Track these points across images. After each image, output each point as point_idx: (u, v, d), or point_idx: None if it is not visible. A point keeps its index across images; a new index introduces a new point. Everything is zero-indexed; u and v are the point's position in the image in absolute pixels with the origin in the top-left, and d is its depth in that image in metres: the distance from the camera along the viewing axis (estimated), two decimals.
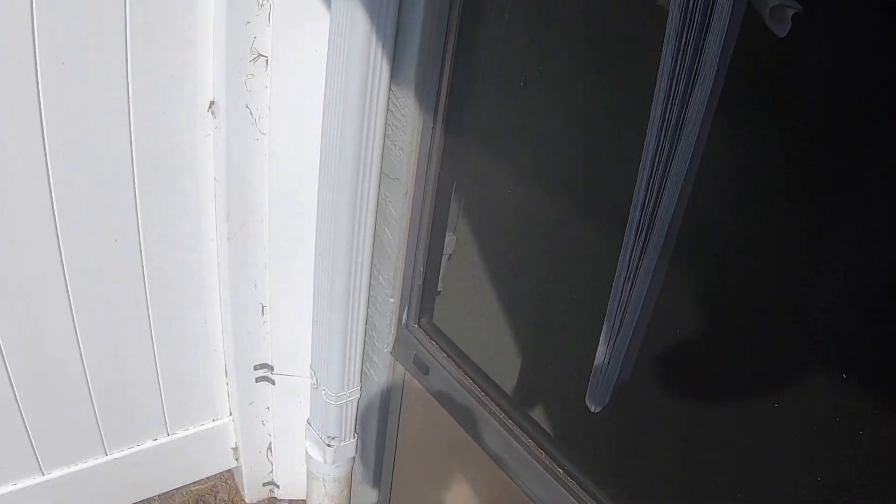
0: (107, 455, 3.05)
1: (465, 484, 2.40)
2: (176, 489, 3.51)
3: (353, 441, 2.78)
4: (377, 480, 2.97)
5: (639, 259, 1.67)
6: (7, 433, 2.75)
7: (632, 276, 1.70)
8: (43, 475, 2.93)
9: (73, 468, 2.99)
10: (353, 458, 2.88)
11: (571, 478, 1.96)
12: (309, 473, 2.93)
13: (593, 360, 1.85)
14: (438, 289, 2.36)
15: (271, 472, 3.41)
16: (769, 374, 1.55)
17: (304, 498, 3.42)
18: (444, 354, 2.27)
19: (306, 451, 2.86)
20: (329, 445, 2.73)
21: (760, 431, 1.57)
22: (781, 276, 1.46)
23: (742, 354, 1.59)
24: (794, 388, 1.50)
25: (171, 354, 2.89)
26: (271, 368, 2.95)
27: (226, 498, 3.59)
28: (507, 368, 2.20)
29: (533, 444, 2.03)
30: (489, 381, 2.18)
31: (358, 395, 2.64)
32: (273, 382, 2.99)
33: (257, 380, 2.98)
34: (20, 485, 2.89)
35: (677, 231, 1.59)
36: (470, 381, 2.19)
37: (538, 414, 2.07)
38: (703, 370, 1.70)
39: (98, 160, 2.36)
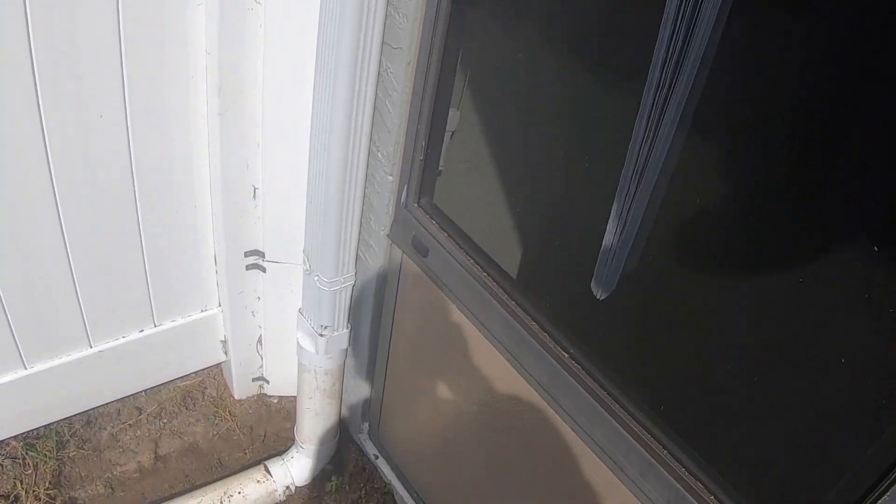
0: (91, 348, 3.02)
1: (463, 371, 2.38)
2: (162, 384, 3.51)
3: (346, 331, 2.75)
4: (370, 372, 2.96)
5: (657, 124, 1.61)
6: None
7: (648, 143, 1.64)
8: (26, 369, 2.91)
9: (57, 361, 2.97)
10: (346, 349, 2.86)
11: (576, 363, 1.94)
12: (300, 366, 2.92)
13: (601, 242, 1.80)
14: (440, 167, 2.30)
15: (261, 366, 3.40)
16: (795, 248, 1.50)
17: (294, 394, 3.43)
18: (445, 234, 2.23)
19: (297, 342, 2.83)
20: (321, 335, 2.71)
21: (785, 309, 1.53)
22: (814, 140, 1.41)
23: (767, 228, 1.54)
24: (822, 262, 1.45)
25: (159, 240, 2.84)
26: (262, 255, 2.90)
27: (214, 394, 3.59)
28: (510, 250, 2.16)
29: (536, 326, 2.00)
30: (492, 262, 2.14)
31: (352, 282, 2.60)
32: (264, 270, 2.95)
33: (248, 267, 2.94)
34: (2, 379, 2.88)
35: (701, 91, 1.53)
36: (471, 261, 2.15)
37: (542, 297, 2.03)
38: (723, 246, 1.65)
39: (83, 29, 2.27)
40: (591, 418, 1.91)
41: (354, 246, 2.49)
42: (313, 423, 3.12)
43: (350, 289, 2.62)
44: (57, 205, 2.53)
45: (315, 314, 2.68)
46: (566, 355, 1.93)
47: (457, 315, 2.23)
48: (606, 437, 1.90)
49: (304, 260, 2.61)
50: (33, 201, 2.47)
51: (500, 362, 2.12)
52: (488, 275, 2.11)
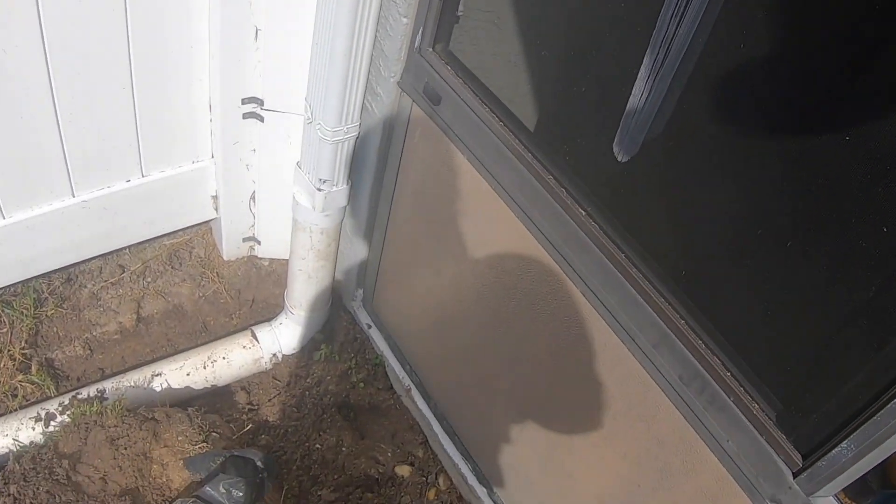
0: (74, 197, 3.00)
1: (469, 229, 2.40)
2: (148, 241, 3.52)
3: (345, 187, 2.76)
4: (368, 234, 2.98)
5: None
6: None
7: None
8: (3, 219, 2.90)
9: (38, 211, 2.95)
10: (345, 207, 2.87)
11: (594, 222, 1.94)
12: (295, 223, 2.93)
13: (627, 103, 1.79)
14: (458, 12, 2.26)
15: (253, 225, 3.41)
16: (841, 104, 1.48)
17: (287, 258, 3.45)
18: (460, 81, 2.21)
19: (293, 198, 2.84)
20: (319, 190, 2.71)
21: (814, 174, 1.52)
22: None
23: (809, 82, 1.52)
24: (862, 125, 1.44)
25: (150, 83, 2.79)
26: (261, 103, 2.88)
27: (202, 254, 3.61)
28: (529, 103, 2.14)
29: (554, 182, 2.00)
30: (509, 113, 2.13)
31: (356, 133, 2.59)
32: (262, 119, 2.93)
33: (244, 116, 2.92)
34: None
35: None
36: (487, 110, 2.14)
37: (561, 152, 2.02)
38: (755, 113, 1.63)
39: None
40: (604, 282, 1.93)
41: (361, 93, 2.47)
42: (305, 287, 3.16)
43: (353, 141, 2.61)
44: (42, 36, 2.47)
45: (314, 167, 2.67)
46: (583, 213, 1.93)
47: (467, 168, 2.23)
48: (620, 303, 1.92)
49: (305, 108, 2.59)
50: (16, 27, 2.43)
51: (510, 219, 2.13)
52: (504, 125, 2.10)
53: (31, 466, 2.73)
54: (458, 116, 2.20)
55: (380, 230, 2.87)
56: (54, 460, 2.75)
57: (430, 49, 2.28)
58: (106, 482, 2.70)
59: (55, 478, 2.68)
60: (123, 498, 2.62)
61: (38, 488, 2.64)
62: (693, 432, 1.85)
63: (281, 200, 3.16)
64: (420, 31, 2.28)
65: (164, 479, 2.76)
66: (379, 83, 2.47)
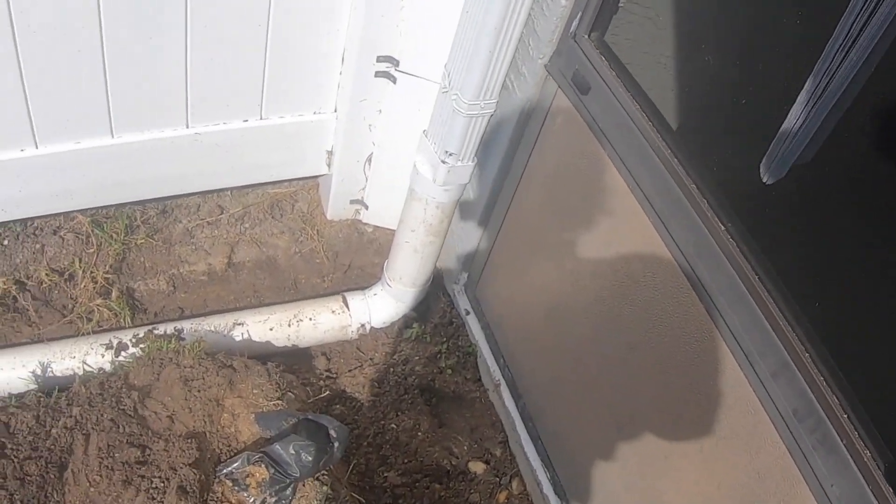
0: (187, 128, 3.26)
1: (597, 226, 2.55)
2: (252, 186, 3.76)
3: (471, 164, 2.93)
4: (485, 217, 3.15)
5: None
6: (83, 87, 2.94)
7: (863, 18, 1.72)
8: (112, 137, 3.17)
9: (147, 135, 3.21)
10: (465, 185, 3.04)
11: (731, 237, 2.08)
12: (410, 193, 3.11)
13: (781, 124, 1.91)
14: (620, 3, 2.42)
15: (364, 188, 3.62)
16: None
17: (393, 227, 3.65)
18: (613, 74, 2.36)
19: (414, 166, 3.02)
20: (444, 162, 2.89)
21: None
22: None
23: None
24: None
25: (287, 23, 3.01)
26: (396, 63, 3.08)
27: (304, 209, 3.84)
28: (681, 107, 2.28)
29: (696, 191, 2.14)
30: (658, 114, 2.28)
31: (492, 111, 2.76)
32: (394, 80, 3.12)
33: (377, 74, 3.12)
34: (87, 143, 3.14)
35: None
36: (637, 108, 2.29)
37: (707, 162, 2.16)
38: None
39: None
40: (732, 301, 2.06)
41: (505, 70, 2.63)
42: (409, 261, 3.34)
43: (487, 118, 2.77)
44: None
45: (442, 138, 2.85)
46: (721, 228, 2.07)
47: (607, 164, 2.39)
48: (745, 325, 2.05)
49: (443, 75, 2.77)
50: None
51: (643, 223, 2.28)
52: (653, 125, 2.25)
53: (98, 392, 2.97)
54: (605, 109, 2.35)
55: (498, 214, 3.04)
56: (123, 390, 2.98)
57: (586, 36, 2.44)
58: (173, 421, 2.91)
59: (122, 407, 2.91)
60: (189, 440, 2.82)
61: (102, 415, 2.87)
62: (797, 471, 1.98)
63: (399, 167, 3.35)
64: (578, 16, 2.43)
65: (233, 430, 2.97)
66: (525, 63, 2.63)
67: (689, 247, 2.14)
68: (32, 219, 3.53)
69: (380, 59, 3.05)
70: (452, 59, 2.70)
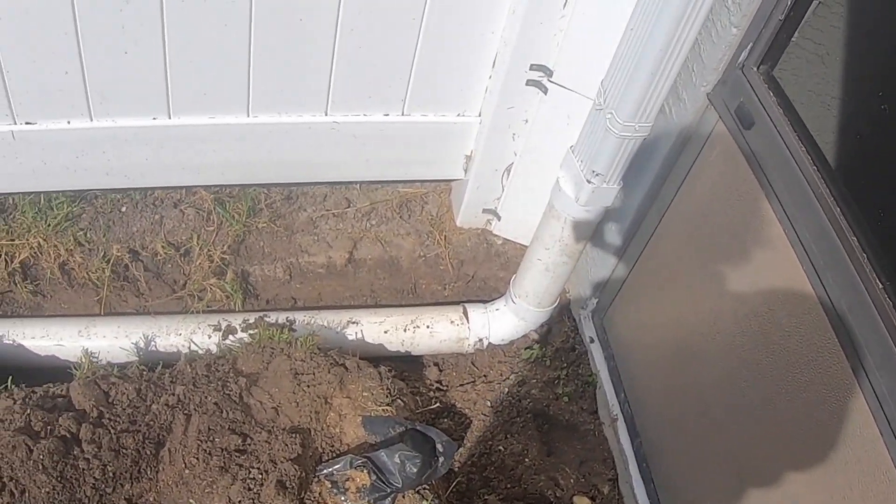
0: (326, 116, 3.40)
1: (744, 269, 2.58)
2: (383, 182, 3.89)
3: (616, 187, 2.99)
4: (623, 244, 3.21)
5: None
6: (225, 62, 3.11)
7: None
8: (248, 116, 3.33)
9: (284, 118, 3.38)
10: (607, 210, 3.11)
11: (889, 297, 2.10)
12: (549, 210, 3.19)
13: None
14: (794, 37, 2.46)
15: (498, 198, 3.71)
16: None
17: (524, 242, 3.73)
18: (780, 112, 2.40)
19: (557, 182, 3.10)
20: (589, 182, 2.96)
21: None
22: None
23: None
24: None
25: (442, 20, 3.12)
26: (549, 73, 3.16)
27: (433, 213, 3.95)
28: (849, 152, 2.31)
29: (856, 244, 2.16)
30: (822, 158, 2.31)
31: (646, 134, 2.81)
32: (545, 91, 3.21)
33: (528, 83, 3.20)
34: (221, 119, 3.32)
35: None
36: (802, 149, 2.33)
37: (867, 216, 2.18)
38: None
39: None
40: (881, 362, 2.08)
41: (664, 93, 2.69)
42: (538, 279, 3.42)
43: (639, 141, 2.83)
44: None
45: (590, 157, 2.92)
46: (879, 286, 2.10)
47: (762, 202, 2.43)
48: (891, 390, 2.08)
49: (598, 92, 2.84)
50: None
51: (794, 268, 2.31)
52: (817, 169, 2.28)
53: (205, 373, 3.12)
54: (767, 147, 2.39)
55: (638, 242, 3.09)
56: (230, 375, 3.12)
57: (755, 68, 2.48)
58: (278, 413, 3.04)
59: (227, 392, 3.05)
60: (293, 435, 2.93)
61: (206, 397, 3.01)
62: None
63: (538, 181, 3.44)
64: (749, 47, 2.48)
65: (338, 430, 3.08)
66: (685, 88, 2.69)
67: (841, 300, 2.17)
68: (153, 189, 3.73)
69: (533, 68, 3.14)
70: (610, 76, 2.76)
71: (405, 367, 3.68)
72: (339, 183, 3.83)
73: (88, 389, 2.95)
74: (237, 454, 2.87)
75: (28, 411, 2.82)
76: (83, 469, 2.76)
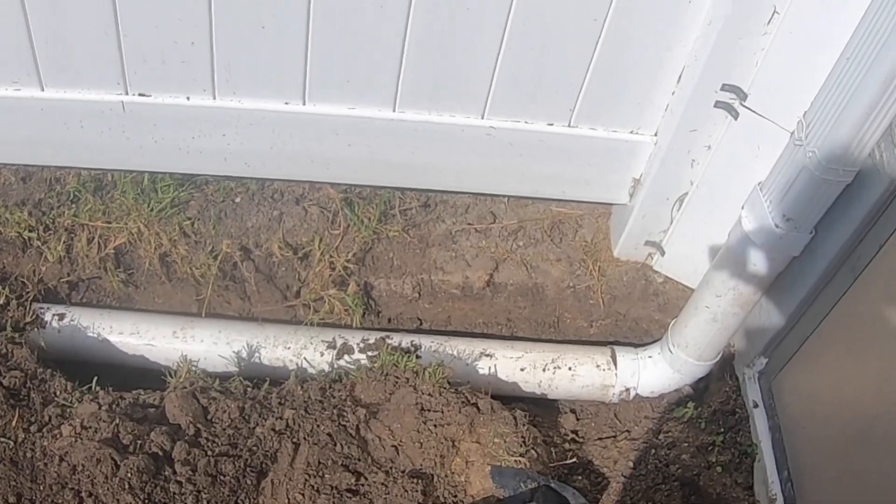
0: (482, 119, 3.41)
1: None
2: (534, 199, 3.87)
3: (808, 236, 2.92)
4: (807, 299, 3.12)
5: None
6: (375, 48, 3.14)
7: None
8: (394, 111, 3.37)
9: (434, 118, 3.40)
10: (793, 259, 3.04)
11: None
12: (726, 251, 3.13)
13: None
14: None
15: (665, 231, 3.65)
16: None
17: (688, 284, 3.68)
18: None
19: (739, 221, 3.03)
20: (777, 227, 2.89)
21: None
22: None
23: None
24: None
25: (626, 26, 3.08)
26: (743, 96, 3.09)
27: (587, 238, 3.91)
28: None
29: None
30: None
31: (849, 180, 2.74)
32: (735, 116, 3.14)
33: (717, 104, 3.14)
34: (362, 111, 3.36)
35: None
36: None
37: None
38: None
39: None
40: None
41: (877, 136, 2.61)
42: (702, 329, 3.37)
43: (842, 186, 2.76)
44: None
45: (780, 197, 2.86)
46: None
47: None
48: None
49: (799, 125, 2.78)
50: None
51: None
52: None
53: (318, 398, 3.13)
54: None
55: (826, 300, 3.01)
56: (347, 403, 3.12)
57: None
58: (398, 453, 3.04)
59: (343, 423, 3.05)
60: (414, 480, 2.93)
61: (318, 426, 3.02)
62: None
63: (715, 217, 3.38)
64: None
65: (463, 478, 3.06)
66: None
67: None
68: (273, 180, 3.77)
69: (724, 88, 3.09)
70: (815, 109, 2.71)
71: (538, 410, 3.66)
72: (485, 194, 3.83)
73: (186, 402, 2.99)
74: (349, 495, 2.87)
75: (116, 421, 2.86)
76: (174, 493, 2.78)
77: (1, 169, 3.76)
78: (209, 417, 3.00)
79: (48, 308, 3.60)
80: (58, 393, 3.08)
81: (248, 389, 3.17)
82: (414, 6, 3.00)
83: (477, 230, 3.86)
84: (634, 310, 3.89)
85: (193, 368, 3.31)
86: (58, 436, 2.87)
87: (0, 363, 3.12)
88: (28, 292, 3.67)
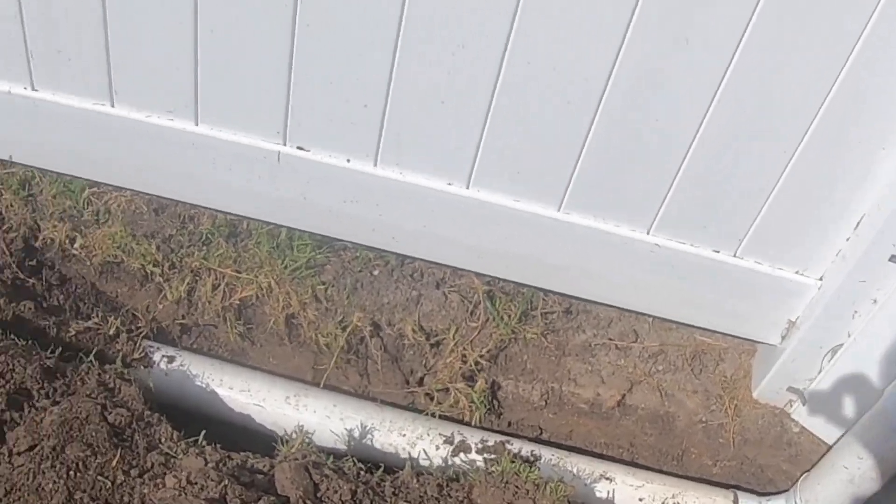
0: (648, 234, 3.46)
1: None
2: (679, 323, 3.87)
3: None
4: None
5: None
6: (554, 143, 3.20)
7: None
8: (558, 211, 3.43)
9: (598, 224, 3.44)
10: None
11: None
12: (879, 412, 3.13)
13: None
14: None
15: (812, 379, 3.63)
16: None
17: (825, 439, 3.65)
18: None
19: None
20: None
21: None
22: None
23: None
24: None
25: (819, 156, 3.10)
26: None
27: (727, 374, 3.91)
28: None
29: None
30: None
31: None
32: None
33: (891, 258, 3.14)
34: (527, 206, 3.43)
35: None
36: None
37: None
38: None
39: None
40: None
41: None
42: (837, 489, 3.34)
43: None
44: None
45: None
46: None
47: None
48: None
49: None
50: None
51: None
52: None
53: (434, 495, 3.13)
54: None
55: None
56: None
57: None
58: None
59: None
60: None
61: None
62: None
63: (869, 374, 3.39)
64: None
65: None
66: None
67: None
68: (414, 258, 3.82)
69: None
70: None
71: None
72: (631, 311, 3.86)
73: (298, 476, 2.97)
74: None
75: (225, 482, 2.83)
76: None
77: (133, 196, 3.88)
78: (319, 495, 2.96)
79: (158, 348, 3.66)
80: (163, 440, 3.07)
81: (361, 473, 3.15)
82: (601, 110, 3.07)
83: (618, 347, 3.90)
84: (763, 456, 3.87)
85: (307, 440, 3.31)
86: (160, 486, 2.85)
87: (107, 398, 3.12)
88: (140, 328, 3.77)
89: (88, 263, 3.89)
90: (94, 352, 3.41)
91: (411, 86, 3.12)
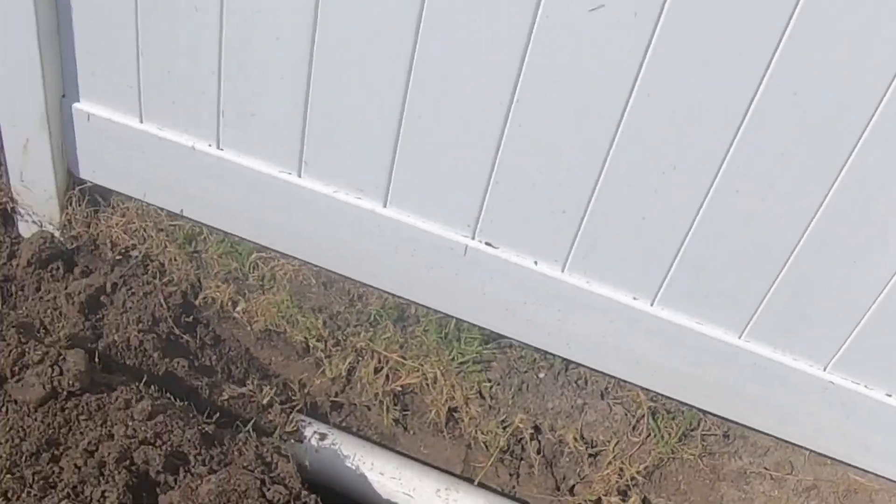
0: (824, 371, 3.46)
1: None
2: (832, 458, 3.87)
3: None
4: None
5: None
6: (748, 279, 3.25)
7: None
8: (739, 339, 3.45)
9: (778, 356, 3.45)
10: None
11: None
12: None
13: None
14: None
15: None
16: None
17: None
18: None
19: None
20: None
21: None
22: None
23: None
24: None
25: None
26: None
27: None
28: None
29: None
30: None
31: None
32: None
33: None
34: (708, 330, 3.45)
35: None
36: None
37: None
38: None
39: None
40: None
41: None
42: None
43: None
44: None
45: None
46: None
47: None
48: None
49: None
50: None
51: None
52: None
53: None
54: None
55: None
56: None
57: None
58: None
59: None
60: None
61: None
62: None
63: None
64: None
65: None
66: None
67: None
68: (578, 365, 3.85)
69: None
70: None
71: None
72: (789, 443, 3.87)
73: None
74: None
75: None
76: None
77: (301, 266, 3.91)
78: None
79: (310, 423, 3.70)
80: None
81: None
82: (798, 252, 3.12)
83: (773, 477, 3.89)
84: None
85: None
86: None
87: (265, 472, 3.13)
88: (294, 400, 3.81)
89: (248, 329, 3.95)
90: (251, 421, 3.48)
91: (613, 198, 3.15)
